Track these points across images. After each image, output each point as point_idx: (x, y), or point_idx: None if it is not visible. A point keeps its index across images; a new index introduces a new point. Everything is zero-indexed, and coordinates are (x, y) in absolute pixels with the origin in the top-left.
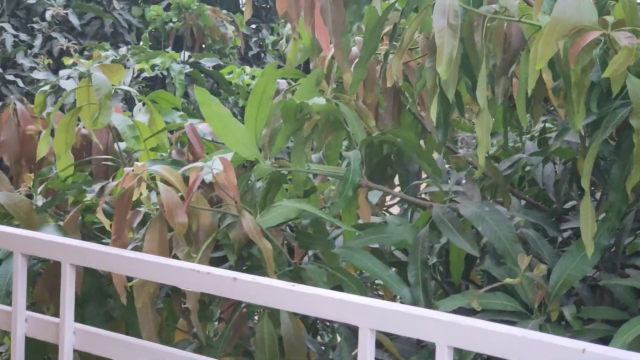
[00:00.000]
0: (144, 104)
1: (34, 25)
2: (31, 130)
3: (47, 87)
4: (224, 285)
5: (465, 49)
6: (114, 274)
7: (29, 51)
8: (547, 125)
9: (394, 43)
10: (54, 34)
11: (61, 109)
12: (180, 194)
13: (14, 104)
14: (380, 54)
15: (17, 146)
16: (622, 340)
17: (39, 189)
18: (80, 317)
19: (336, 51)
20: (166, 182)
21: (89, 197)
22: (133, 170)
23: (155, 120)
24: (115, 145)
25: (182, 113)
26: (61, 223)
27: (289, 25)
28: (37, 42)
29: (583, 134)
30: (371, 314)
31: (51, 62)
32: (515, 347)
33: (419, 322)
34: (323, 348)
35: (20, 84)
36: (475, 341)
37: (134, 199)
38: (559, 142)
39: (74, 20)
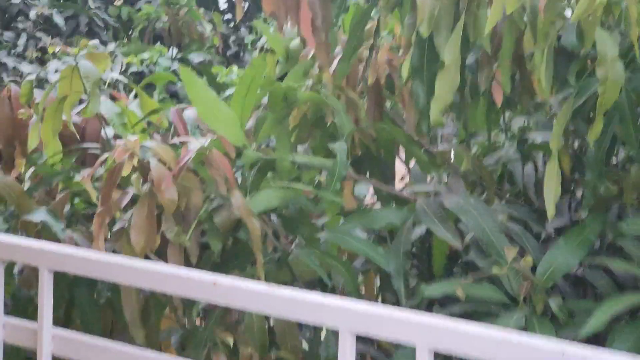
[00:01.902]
0: (135, 96)
1: (18, 25)
2: (23, 114)
3: (32, 77)
4: (204, 290)
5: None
6: (96, 248)
7: (12, 51)
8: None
9: (379, 36)
10: (38, 34)
11: None
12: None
13: (9, 87)
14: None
15: (10, 129)
16: (604, 315)
17: (28, 174)
18: (70, 300)
19: (319, 49)
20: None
21: (78, 178)
22: (125, 145)
23: (147, 106)
24: (103, 132)
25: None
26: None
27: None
28: (21, 41)
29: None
30: (351, 317)
31: (39, 54)
32: (496, 349)
33: (400, 325)
34: (311, 337)
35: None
36: (456, 344)
37: (124, 173)
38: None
39: (59, 20)
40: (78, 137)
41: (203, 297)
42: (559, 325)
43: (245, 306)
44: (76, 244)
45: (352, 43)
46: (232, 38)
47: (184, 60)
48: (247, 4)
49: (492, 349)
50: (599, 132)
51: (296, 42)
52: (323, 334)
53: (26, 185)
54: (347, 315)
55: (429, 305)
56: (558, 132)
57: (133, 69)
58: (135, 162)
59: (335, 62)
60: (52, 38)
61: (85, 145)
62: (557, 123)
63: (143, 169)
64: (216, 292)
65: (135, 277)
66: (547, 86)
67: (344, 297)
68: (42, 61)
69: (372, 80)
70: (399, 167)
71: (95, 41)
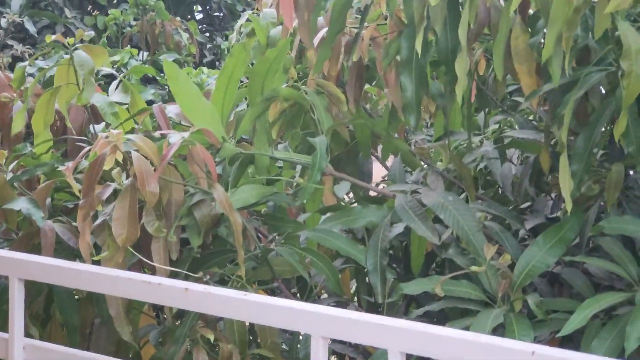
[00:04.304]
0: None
1: None
2: (6, 97)
3: (25, 63)
4: (176, 296)
5: None
6: (81, 241)
7: None
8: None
9: (365, 25)
10: (9, 42)
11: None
12: (154, 167)
13: None
14: (347, 27)
15: None
16: (584, 314)
17: (11, 166)
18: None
19: (302, 28)
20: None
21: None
22: (107, 137)
23: (136, 102)
24: (91, 127)
25: (154, 91)
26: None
27: (239, 21)
28: None
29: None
30: (323, 322)
31: (10, 61)
32: (467, 352)
33: (371, 329)
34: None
35: None
36: (428, 346)
37: (107, 167)
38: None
39: (30, 27)
40: (70, 127)
41: (175, 304)
42: (537, 323)
43: (218, 312)
44: (57, 235)
45: (334, 27)
46: (208, 46)
47: (155, 62)
48: (222, 14)
49: (462, 350)
50: (624, 127)
51: (278, 29)
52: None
53: (8, 175)
54: (319, 321)
55: (408, 305)
56: (567, 125)
57: (103, 71)
58: (118, 155)
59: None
60: (25, 46)
61: (71, 137)
62: (565, 115)
63: (125, 162)
64: (188, 298)
65: (106, 285)
66: (559, 73)
67: (320, 298)
68: (13, 68)
69: (356, 57)
70: (377, 173)
71: (91, 33)
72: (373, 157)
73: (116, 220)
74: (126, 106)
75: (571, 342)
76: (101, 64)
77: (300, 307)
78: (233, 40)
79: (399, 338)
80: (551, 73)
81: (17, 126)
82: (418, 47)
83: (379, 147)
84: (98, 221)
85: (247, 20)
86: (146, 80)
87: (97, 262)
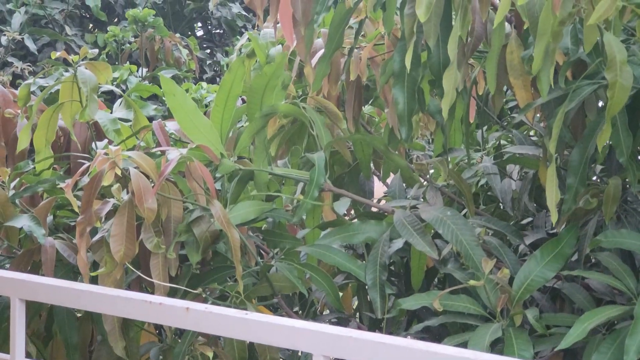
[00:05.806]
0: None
1: None
2: (10, 113)
3: (30, 81)
4: (177, 316)
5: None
6: (79, 258)
7: None
8: (502, 142)
9: (361, 37)
10: (9, 59)
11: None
12: (152, 184)
13: None
14: (345, 47)
15: None
16: (582, 327)
17: (13, 183)
18: (49, 312)
19: (299, 44)
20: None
21: (61, 185)
22: (106, 154)
23: (138, 120)
24: (94, 144)
25: (156, 106)
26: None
27: (239, 42)
28: None
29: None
30: (323, 341)
31: (10, 78)
32: None
33: (371, 348)
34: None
35: None
36: None
37: (106, 183)
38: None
39: (31, 44)
40: (76, 141)
41: (176, 324)
42: (538, 339)
43: (219, 332)
44: (58, 252)
45: (331, 44)
46: (208, 62)
47: (154, 79)
48: (222, 30)
49: None
50: (607, 137)
51: (277, 48)
52: None
53: (9, 192)
54: (320, 340)
55: (410, 321)
56: (555, 137)
57: (103, 88)
58: (118, 171)
59: (314, 61)
60: (25, 63)
61: (74, 154)
62: (554, 126)
63: (124, 178)
64: (189, 318)
65: (107, 305)
66: (547, 87)
67: (322, 315)
68: (14, 85)
69: (353, 76)
70: (378, 193)
71: (95, 50)
72: (374, 177)
73: (114, 237)
74: (129, 123)
75: (575, 358)
76: (105, 81)
77: (301, 326)
78: (233, 60)
79: (401, 357)
80: (539, 87)
81: (23, 143)
82: (407, 62)
83: (381, 167)
84: (96, 237)
85: (248, 40)
86: (147, 97)
87: (96, 278)
